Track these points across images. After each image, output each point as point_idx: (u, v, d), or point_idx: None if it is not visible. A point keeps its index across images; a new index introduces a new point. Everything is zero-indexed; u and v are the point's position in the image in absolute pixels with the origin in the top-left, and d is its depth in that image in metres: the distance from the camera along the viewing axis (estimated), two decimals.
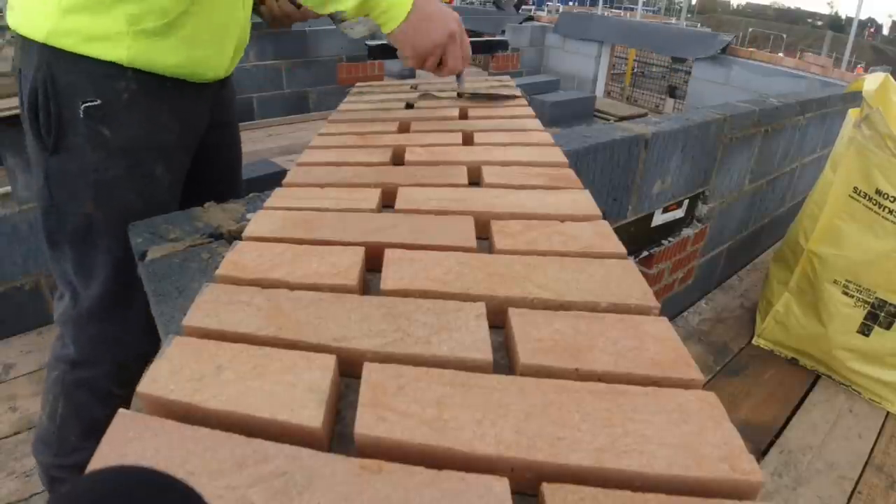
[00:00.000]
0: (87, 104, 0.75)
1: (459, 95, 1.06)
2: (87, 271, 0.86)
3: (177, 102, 0.84)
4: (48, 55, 0.74)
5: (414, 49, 0.85)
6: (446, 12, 0.86)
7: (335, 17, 0.98)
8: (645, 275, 1.57)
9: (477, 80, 1.28)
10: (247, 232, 0.59)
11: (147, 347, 0.92)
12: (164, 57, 0.78)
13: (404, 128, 0.94)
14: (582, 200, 0.66)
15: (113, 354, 0.92)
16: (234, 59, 0.94)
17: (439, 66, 0.90)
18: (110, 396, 0.95)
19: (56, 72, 0.74)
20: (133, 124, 0.80)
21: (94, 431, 1.04)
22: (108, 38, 0.73)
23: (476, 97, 1.06)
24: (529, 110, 1.01)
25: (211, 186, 0.97)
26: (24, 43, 0.75)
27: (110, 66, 0.75)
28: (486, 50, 1.47)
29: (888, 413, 1.57)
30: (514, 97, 1.07)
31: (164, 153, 0.85)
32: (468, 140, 0.87)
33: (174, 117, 0.85)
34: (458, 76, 1.01)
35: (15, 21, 0.76)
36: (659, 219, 1.61)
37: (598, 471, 0.33)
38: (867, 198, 1.49)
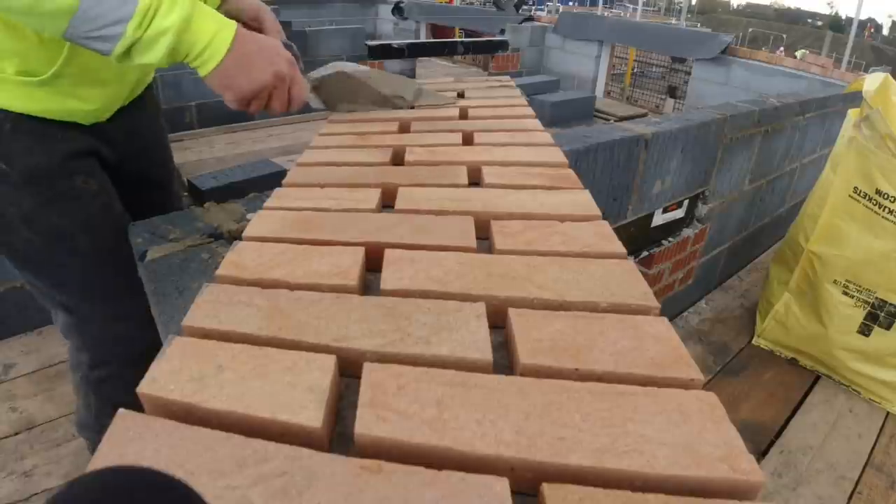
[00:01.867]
0: None
1: (462, 115, 0.99)
2: (62, 287, 0.85)
3: (68, 124, 0.79)
4: None
5: (231, 92, 0.72)
6: (272, 52, 0.74)
7: None
8: (645, 275, 1.57)
9: (477, 81, 1.28)
10: (247, 232, 0.59)
11: (151, 335, 0.93)
12: (33, 104, 0.73)
13: (404, 128, 0.94)
14: (582, 200, 0.66)
15: (123, 350, 0.92)
16: (132, 95, 0.88)
17: (267, 107, 0.78)
18: (135, 383, 0.98)
19: None
20: (26, 151, 0.75)
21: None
22: None
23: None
24: (529, 110, 1.01)
25: (140, 208, 0.92)
26: None
27: None
28: (487, 50, 1.46)
29: (888, 413, 1.57)
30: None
31: (75, 164, 0.80)
32: (468, 140, 0.87)
33: (72, 129, 0.79)
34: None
35: None
36: (659, 219, 1.61)
37: (598, 471, 0.33)
38: (867, 198, 1.49)
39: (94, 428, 1.03)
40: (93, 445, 1.08)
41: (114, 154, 0.89)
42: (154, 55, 0.64)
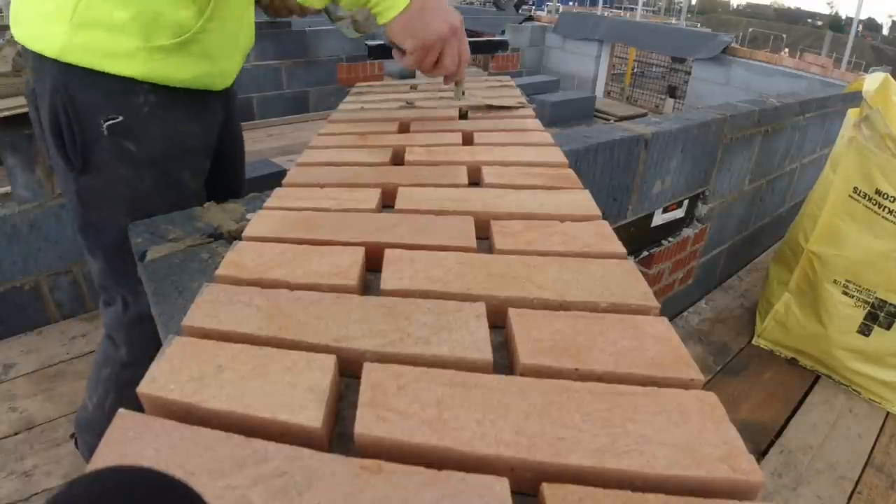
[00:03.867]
0: (109, 121, 0.75)
1: (462, 115, 1.00)
2: (133, 280, 0.87)
3: (196, 108, 0.85)
4: (63, 74, 0.73)
5: (414, 40, 0.78)
6: (448, 7, 0.80)
7: (331, 14, 0.97)
8: (645, 275, 1.57)
9: (477, 80, 1.28)
10: (247, 232, 0.59)
11: None
12: (179, 72, 0.78)
13: (404, 128, 0.94)
14: (582, 200, 0.66)
15: None
16: (242, 63, 0.94)
17: (436, 66, 0.84)
18: None
19: (73, 91, 0.74)
20: (157, 136, 0.80)
21: None
22: (124, 55, 0.73)
23: (477, 108, 1.02)
24: (529, 110, 1.01)
25: (216, 183, 0.97)
26: (35, 60, 0.74)
27: (126, 81, 0.74)
28: (487, 50, 1.46)
29: (888, 413, 1.57)
30: (517, 107, 1.03)
31: (190, 159, 0.86)
32: (468, 140, 0.87)
33: (195, 122, 0.85)
34: (457, 83, 0.95)
35: (22, 35, 0.75)
36: (659, 219, 1.61)
37: (598, 471, 0.33)
38: (867, 198, 1.49)
39: (98, 431, 1.04)
40: (88, 448, 1.09)
41: (217, 134, 0.94)
42: None
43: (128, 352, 0.94)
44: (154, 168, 0.81)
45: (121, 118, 0.76)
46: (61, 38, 0.71)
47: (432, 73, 0.86)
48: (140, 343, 0.93)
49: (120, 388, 0.98)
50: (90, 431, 1.07)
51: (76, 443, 1.21)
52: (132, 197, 0.80)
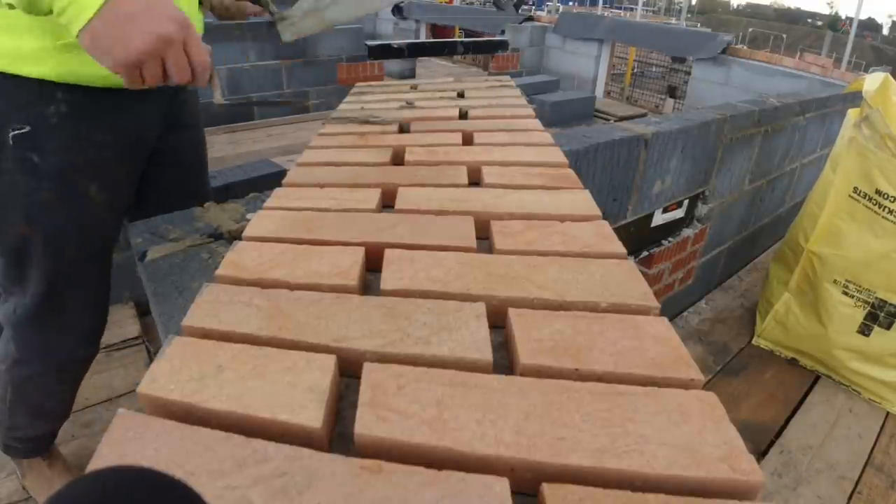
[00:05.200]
0: (15, 132, 0.73)
1: (462, 115, 0.97)
2: (22, 283, 0.87)
3: (112, 116, 0.80)
4: None
5: (112, 59, 0.59)
6: (158, 12, 0.60)
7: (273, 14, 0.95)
8: (645, 275, 1.57)
9: (477, 80, 1.28)
10: (247, 232, 0.59)
11: (83, 352, 0.98)
12: (94, 68, 0.69)
13: (404, 128, 0.94)
14: (582, 200, 0.66)
15: (49, 357, 0.96)
16: None
17: (165, 78, 0.64)
18: (54, 390, 1.01)
19: None
20: (63, 148, 0.77)
21: (41, 414, 1.07)
22: (34, 56, 0.70)
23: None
24: (529, 110, 1.01)
25: (173, 192, 0.95)
26: None
27: (38, 87, 0.72)
28: (487, 50, 1.46)
29: (888, 413, 1.57)
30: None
31: (99, 172, 0.82)
32: (468, 140, 0.87)
33: (110, 133, 0.81)
34: (210, 83, 0.72)
35: None
36: (659, 219, 1.61)
37: (598, 471, 0.33)
38: (867, 198, 1.49)
39: (4, 423, 1.05)
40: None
41: (148, 142, 0.91)
42: None
43: (16, 350, 0.94)
44: (56, 180, 0.78)
45: (27, 129, 0.73)
46: None
47: (167, 83, 0.66)
48: (27, 343, 0.93)
49: (14, 384, 0.98)
50: None
51: None
52: (30, 206, 0.79)
